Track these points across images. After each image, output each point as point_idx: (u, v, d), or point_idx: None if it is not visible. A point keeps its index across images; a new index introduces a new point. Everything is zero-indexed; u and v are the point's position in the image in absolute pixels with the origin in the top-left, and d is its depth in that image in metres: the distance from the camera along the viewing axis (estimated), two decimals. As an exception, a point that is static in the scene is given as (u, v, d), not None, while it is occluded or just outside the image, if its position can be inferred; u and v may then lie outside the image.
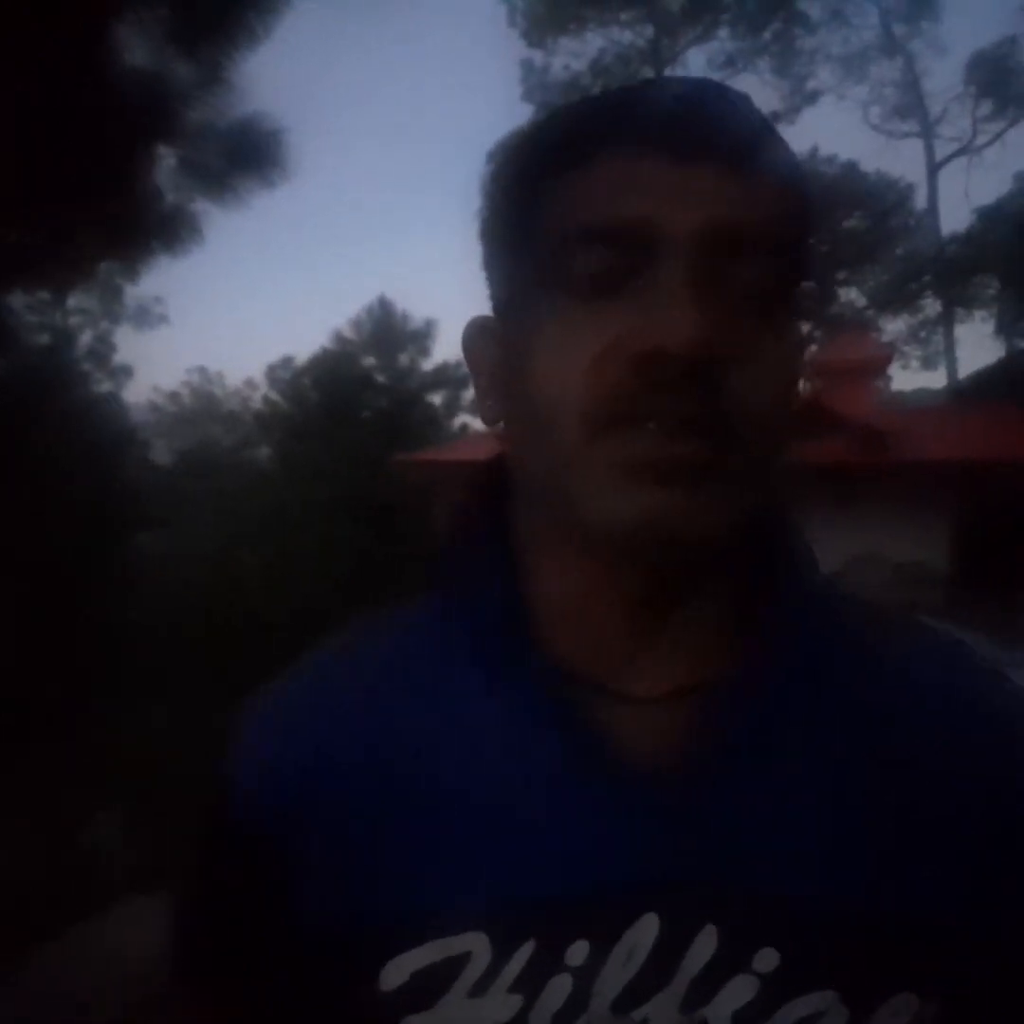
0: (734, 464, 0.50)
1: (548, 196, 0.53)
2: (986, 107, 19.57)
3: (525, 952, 0.50)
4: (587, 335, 0.50)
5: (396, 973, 0.51)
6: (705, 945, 0.50)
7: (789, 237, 0.52)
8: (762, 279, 0.50)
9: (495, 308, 0.60)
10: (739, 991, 0.49)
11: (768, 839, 0.51)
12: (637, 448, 0.49)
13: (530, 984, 0.50)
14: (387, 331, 18.07)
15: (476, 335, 0.61)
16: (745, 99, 0.53)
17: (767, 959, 0.50)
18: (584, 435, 0.50)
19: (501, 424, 0.60)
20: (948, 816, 0.53)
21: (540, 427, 0.52)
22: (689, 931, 0.50)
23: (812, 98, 20.46)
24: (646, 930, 0.50)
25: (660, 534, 0.49)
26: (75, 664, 5.95)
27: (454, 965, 0.51)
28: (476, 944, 0.51)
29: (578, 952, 0.50)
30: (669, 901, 0.50)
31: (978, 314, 18.59)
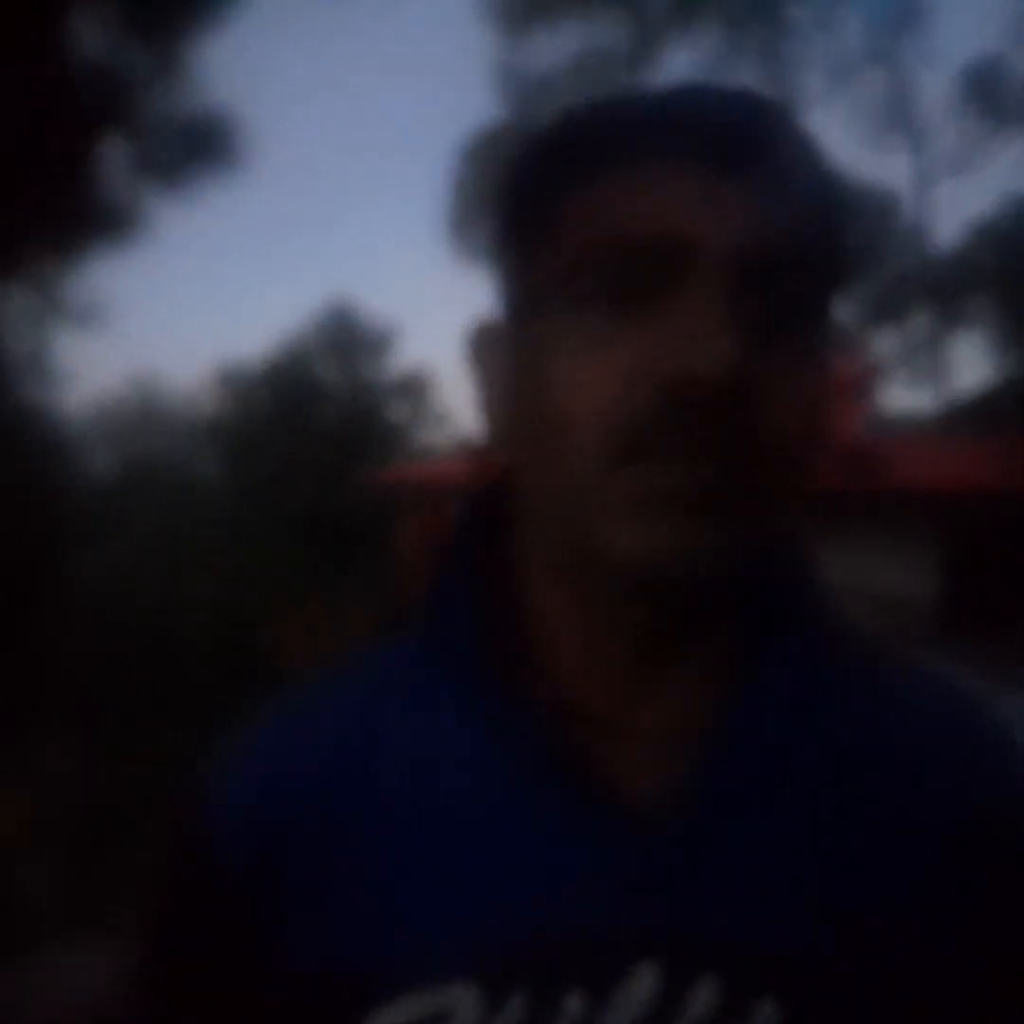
0: (761, 495, 0.50)
1: (577, 200, 0.52)
2: (978, 121, 19.99)
3: (517, 1003, 0.50)
4: (613, 352, 0.50)
5: None
6: (705, 995, 0.50)
7: (827, 260, 0.53)
8: (797, 302, 0.51)
9: (507, 311, 0.58)
10: None
11: (768, 887, 0.52)
12: (664, 478, 0.49)
13: None
14: (346, 337, 18.01)
15: (482, 339, 0.60)
16: (787, 112, 0.53)
17: (768, 1011, 0.50)
18: (606, 461, 0.50)
19: (491, 443, 0.59)
20: (946, 868, 0.54)
21: (556, 449, 0.52)
22: (688, 980, 0.50)
23: (798, 106, 20.83)
24: (644, 979, 0.50)
25: (684, 567, 0.50)
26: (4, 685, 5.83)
27: (441, 1018, 0.50)
28: (463, 996, 0.50)
29: (573, 1005, 0.49)
30: (667, 948, 0.50)
31: (968, 333, 18.92)
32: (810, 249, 0.51)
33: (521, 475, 0.57)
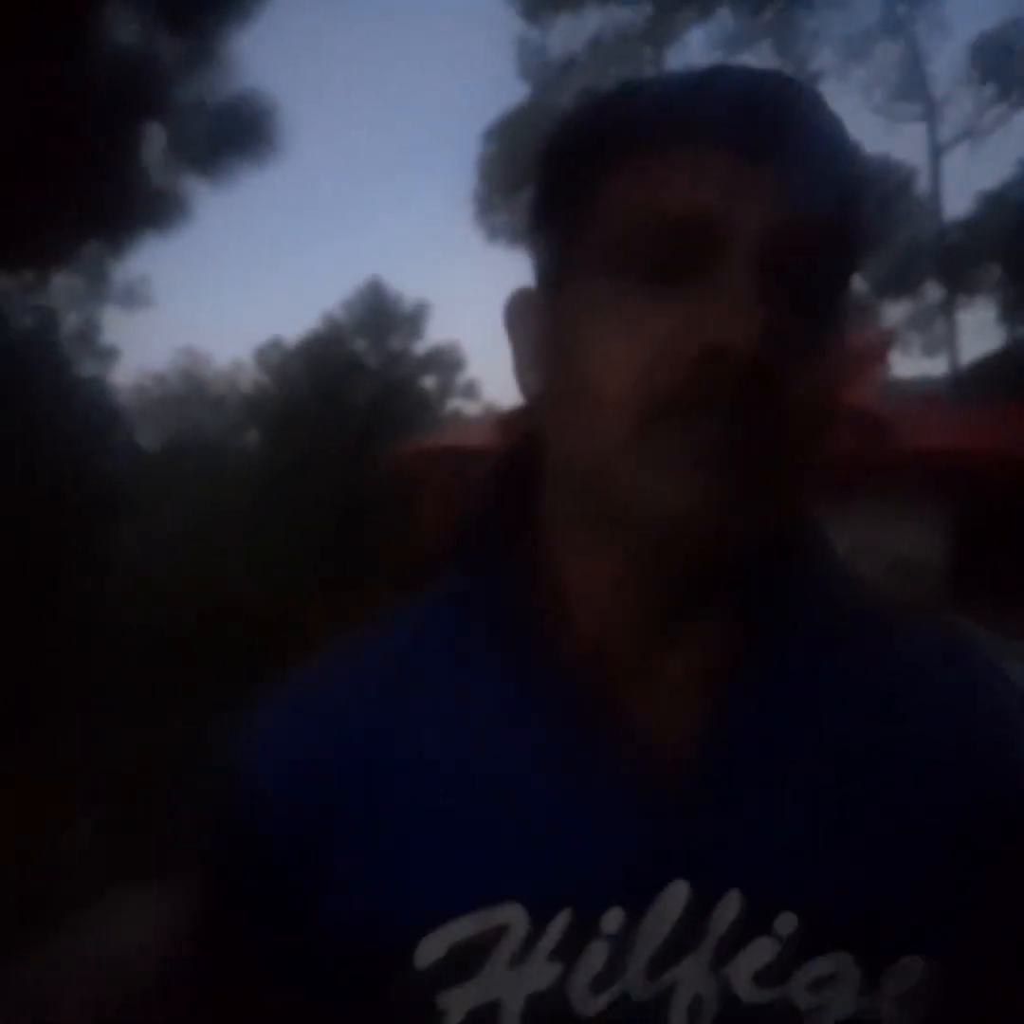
0: (781, 457, 0.52)
1: (613, 178, 0.54)
2: (990, 90, 19.49)
3: (562, 921, 0.53)
4: (648, 325, 0.52)
5: (433, 948, 0.53)
6: (729, 909, 0.53)
7: (850, 237, 0.55)
8: (822, 277, 0.53)
9: (541, 283, 0.60)
10: (760, 952, 0.53)
11: (784, 815, 0.55)
12: (690, 438, 0.51)
13: (568, 952, 0.53)
14: (378, 313, 17.98)
15: (520, 307, 0.62)
16: (818, 98, 0.55)
17: (786, 923, 0.53)
18: (637, 422, 0.52)
19: (526, 402, 0.61)
20: (954, 795, 0.58)
21: (590, 408, 0.54)
22: (714, 896, 0.53)
23: (814, 80, 20.36)
24: (675, 896, 0.53)
25: (707, 522, 0.52)
26: (53, 656, 5.90)
27: (492, 937, 0.53)
28: (513, 915, 0.53)
29: (613, 919, 0.53)
30: (696, 869, 0.54)
31: (980, 300, 18.57)
32: (834, 227, 0.53)
33: (553, 434, 0.59)
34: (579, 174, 0.56)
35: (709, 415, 0.51)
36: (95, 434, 7.50)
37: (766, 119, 0.52)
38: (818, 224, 0.52)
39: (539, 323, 0.59)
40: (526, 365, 0.61)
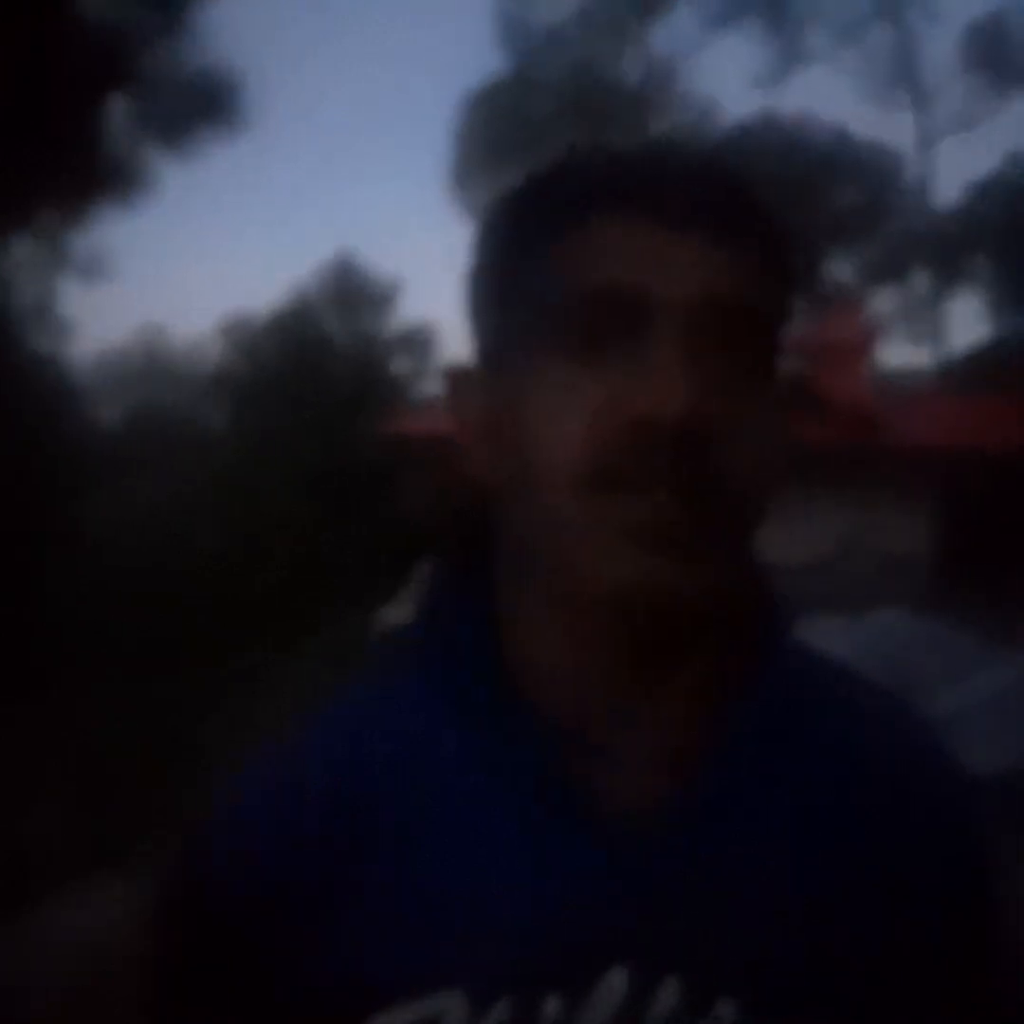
0: (723, 526, 0.53)
1: (541, 257, 0.55)
2: (981, 80, 19.59)
3: (501, 1009, 0.53)
4: (579, 399, 0.53)
5: None
6: (668, 996, 0.53)
7: (775, 306, 0.57)
8: (749, 346, 0.55)
9: (480, 358, 0.62)
10: None
11: (730, 896, 0.55)
12: (629, 513, 0.52)
13: None
14: (349, 289, 17.83)
15: (460, 384, 0.63)
16: (742, 177, 0.57)
17: (725, 1008, 0.53)
18: (576, 497, 0.53)
19: (474, 476, 0.61)
20: (895, 872, 0.59)
21: (531, 483, 0.55)
22: (653, 983, 0.53)
23: (804, 61, 20.37)
24: (614, 984, 0.53)
25: (651, 597, 0.53)
26: (10, 638, 5.85)
27: (432, 1022, 0.53)
28: (453, 1002, 0.53)
29: (551, 1008, 0.53)
30: (635, 954, 0.54)
31: (968, 292, 18.73)
32: (760, 299, 0.55)
33: (502, 506, 0.60)
34: (511, 250, 0.58)
35: (645, 488, 0.52)
36: (51, 410, 7.35)
37: (690, 195, 0.54)
38: (745, 295, 0.54)
39: (479, 399, 0.60)
40: (471, 440, 0.61)
